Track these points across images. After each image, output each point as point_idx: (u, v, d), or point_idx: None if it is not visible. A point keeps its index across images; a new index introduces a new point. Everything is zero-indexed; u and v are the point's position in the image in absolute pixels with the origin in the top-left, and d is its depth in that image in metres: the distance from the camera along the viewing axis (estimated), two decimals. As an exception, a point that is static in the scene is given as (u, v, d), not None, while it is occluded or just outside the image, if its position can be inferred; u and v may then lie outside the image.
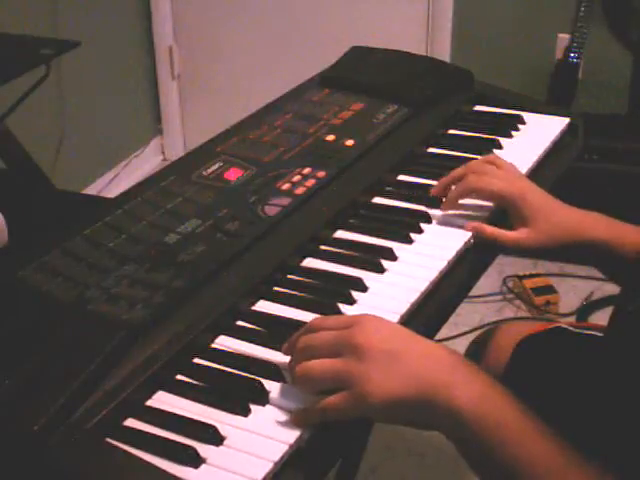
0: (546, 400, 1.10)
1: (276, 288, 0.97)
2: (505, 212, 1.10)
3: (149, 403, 0.81)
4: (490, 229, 1.08)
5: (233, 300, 0.93)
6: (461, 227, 1.09)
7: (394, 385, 0.75)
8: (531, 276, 2.51)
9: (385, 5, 2.95)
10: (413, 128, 1.31)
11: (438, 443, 1.99)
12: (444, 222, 1.11)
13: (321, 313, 0.92)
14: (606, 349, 0.98)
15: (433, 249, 1.05)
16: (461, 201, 1.12)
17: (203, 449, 0.75)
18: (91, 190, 2.89)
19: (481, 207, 1.12)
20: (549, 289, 2.45)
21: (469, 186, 1.11)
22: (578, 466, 0.73)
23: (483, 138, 1.33)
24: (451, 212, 1.12)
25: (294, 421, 0.78)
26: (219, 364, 0.86)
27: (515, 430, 0.74)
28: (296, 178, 1.12)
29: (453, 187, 1.13)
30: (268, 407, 0.80)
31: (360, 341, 0.77)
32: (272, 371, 0.84)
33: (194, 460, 0.74)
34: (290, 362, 0.82)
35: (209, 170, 1.13)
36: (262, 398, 0.81)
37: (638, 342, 0.81)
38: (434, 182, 1.19)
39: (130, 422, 0.79)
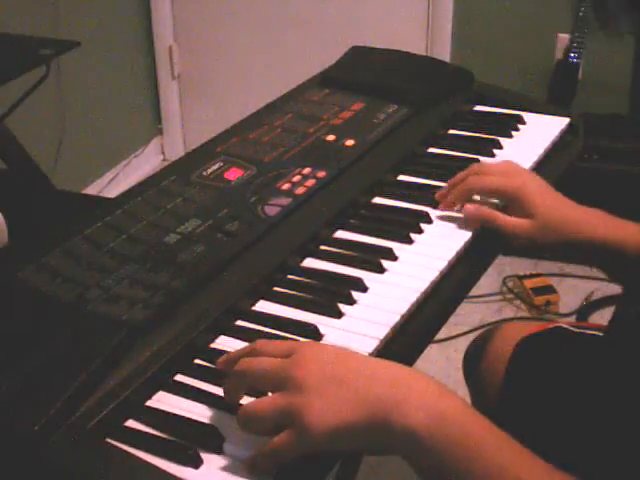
0: (546, 400, 1.10)
1: (276, 288, 0.97)
2: (507, 209, 1.09)
3: (149, 403, 0.81)
4: (489, 210, 1.07)
5: (233, 300, 0.93)
6: (461, 227, 1.09)
7: (339, 411, 0.70)
8: (531, 276, 2.51)
9: (385, 5, 2.95)
10: (413, 128, 1.31)
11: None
12: (444, 222, 1.11)
13: (321, 313, 0.92)
14: (607, 350, 0.97)
15: (433, 249, 1.05)
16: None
17: (203, 449, 0.75)
18: (91, 190, 2.89)
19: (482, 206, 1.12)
20: (549, 289, 2.46)
21: (469, 187, 1.10)
22: (557, 471, 0.70)
23: (483, 138, 1.33)
24: (451, 213, 1.12)
25: (251, 474, 0.72)
26: (219, 364, 0.86)
27: (477, 443, 0.69)
28: (296, 178, 1.12)
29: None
30: (268, 407, 0.80)
31: (298, 373, 0.72)
32: (272, 371, 0.84)
33: (194, 460, 0.74)
34: (226, 381, 0.78)
35: (209, 170, 1.13)
36: (262, 398, 0.81)
37: None
38: (434, 182, 1.19)
39: (130, 422, 0.79)
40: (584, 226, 1.06)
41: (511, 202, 1.08)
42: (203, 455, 0.74)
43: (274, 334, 0.89)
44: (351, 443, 0.72)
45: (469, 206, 1.09)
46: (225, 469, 0.73)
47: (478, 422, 0.71)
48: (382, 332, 0.89)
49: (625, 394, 0.79)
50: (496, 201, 1.11)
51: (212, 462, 0.74)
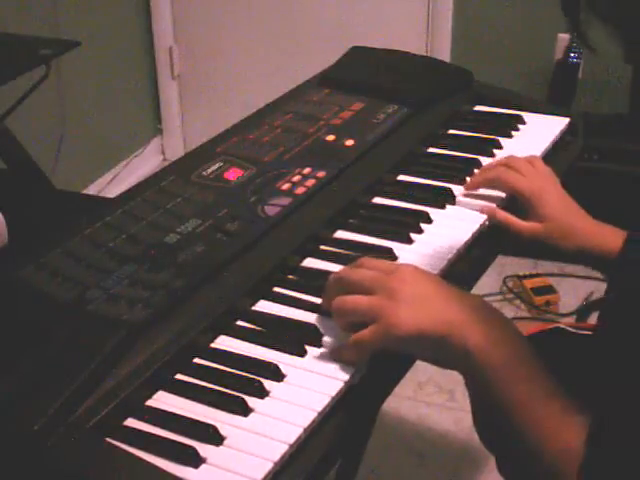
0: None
1: (276, 288, 0.97)
2: (520, 209, 1.13)
3: (149, 403, 0.81)
4: (504, 214, 1.12)
5: (233, 300, 0.93)
6: (461, 227, 1.09)
7: (417, 320, 0.82)
8: (531, 276, 2.51)
9: (385, 5, 2.95)
10: (413, 128, 1.31)
11: (438, 443, 1.99)
12: (444, 222, 1.11)
13: (321, 313, 0.92)
14: (597, 343, 0.98)
15: (433, 249, 1.05)
16: (468, 199, 1.15)
17: (203, 449, 0.75)
18: (91, 190, 2.89)
19: (490, 200, 1.15)
20: (549, 289, 2.46)
21: (494, 176, 1.15)
22: (575, 413, 0.79)
23: (483, 138, 1.33)
24: (450, 213, 1.12)
25: (336, 359, 0.85)
26: (219, 364, 0.86)
27: (520, 372, 0.80)
28: (296, 178, 1.13)
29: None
30: (268, 407, 0.80)
31: (395, 285, 0.84)
32: (272, 371, 0.84)
33: (194, 460, 0.74)
34: (327, 284, 0.90)
35: (209, 170, 1.13)
36: (262, 398, 0.81)
37: (620, 328, 0.82)
38: (434, 182, 1.19)
39: (130, 422, 0.79)
40: (594, 237, 1.11)
41: (526, 204, 1.12)
42: (203, 455, 0.74)
43: (274, 334, 0.90)
44: (420, 350, 0.84)
45: (487, 208, 1.13)
46: (225, 469, 0.74)
47: (521, 352, 0.83)
48: (382, 332, 0.89)
49: (614, 383, 0.80)
50: (503, 195, 1.15)
51: (212, 461, 0.74)
